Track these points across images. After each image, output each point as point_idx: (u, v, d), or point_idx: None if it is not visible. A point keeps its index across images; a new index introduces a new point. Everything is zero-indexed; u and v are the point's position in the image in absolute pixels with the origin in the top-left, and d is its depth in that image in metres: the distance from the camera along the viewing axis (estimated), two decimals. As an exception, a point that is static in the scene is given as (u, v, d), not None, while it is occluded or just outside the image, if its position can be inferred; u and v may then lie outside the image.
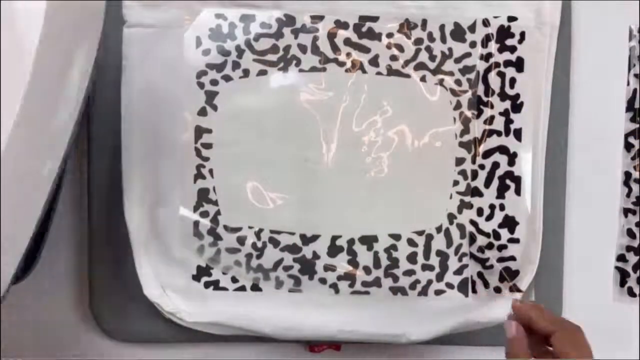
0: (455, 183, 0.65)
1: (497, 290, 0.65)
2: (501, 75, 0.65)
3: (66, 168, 0.62)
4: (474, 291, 0.66)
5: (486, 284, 0.66)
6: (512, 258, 0.65)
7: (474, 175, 0.65)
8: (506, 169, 0.65)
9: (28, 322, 0.68)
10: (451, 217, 0.66)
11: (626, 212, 0.69)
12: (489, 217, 0.65)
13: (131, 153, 0.64)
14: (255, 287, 0.65)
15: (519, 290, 0.65)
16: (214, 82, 0.64)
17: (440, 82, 0.65)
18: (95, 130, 0.65)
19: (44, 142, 0.49)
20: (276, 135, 0.65)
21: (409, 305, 0.66)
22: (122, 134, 0.64)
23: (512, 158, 0.65)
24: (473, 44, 0.65)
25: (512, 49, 0.65)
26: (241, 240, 0.65)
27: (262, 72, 0.64)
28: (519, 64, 0.65)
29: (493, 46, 0.65)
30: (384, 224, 0.66)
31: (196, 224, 0.65)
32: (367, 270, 0.66)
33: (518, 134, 0.65)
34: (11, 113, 0.50)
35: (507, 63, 0.65)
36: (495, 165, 0.65)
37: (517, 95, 0.65)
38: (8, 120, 0.47)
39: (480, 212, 0.65)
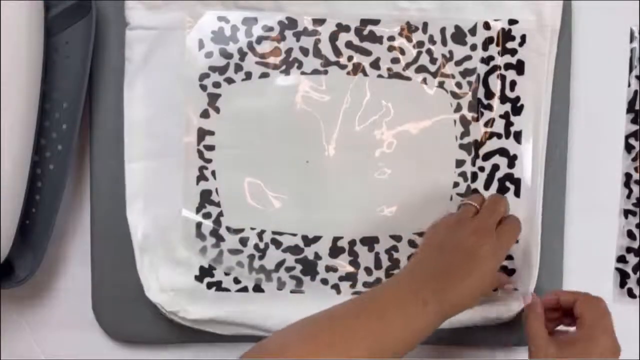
0: (455, 185, 0.66)
1: (494, 288, 0.66)
2: (502, 78, 0.65)
3: (68, 169, 0.63)
4: (474, 292, 0.66)
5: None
6: (510, 257, 0.65)
7: (474, 177, 0.66)
8: (506, 171, 0.65)
9: (29, 322, 0.69)
10: (452, 219, 0.66)
11: (626, 213, 0.69)
12: (490, 219, 0.66)
13: (133, 155, 0.64)
14: (258, 288, 0.66)
15: (515, 289, 0.65)
16: (217, 85, 0.65)
17: (441, 85, 0.65)
18: (98, 132, 0.65)
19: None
20: (278, 137, 0.65)
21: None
22: (124, 135, 0.64)
23: (512, 160, 0.65)
24: (474, 47, 0.65)
25: (513, 52, 0.65)
26: (243, 242, 0.65)
27: (264, 75, 0.65)
28: (519, 67, 0.65)
29: (494, 49, 0.65)
30: (385, 225, 0.66)
31: (199, 225, 0.65)
32: (368, 271, 0.66)
33: (518, 137, 0.65)
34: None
35: (508, 66, 0.65)
36: (495, 167, 0.65)
37: (518, 98, 0.65)
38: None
39: (480, 213, 0.66)
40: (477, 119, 0.65)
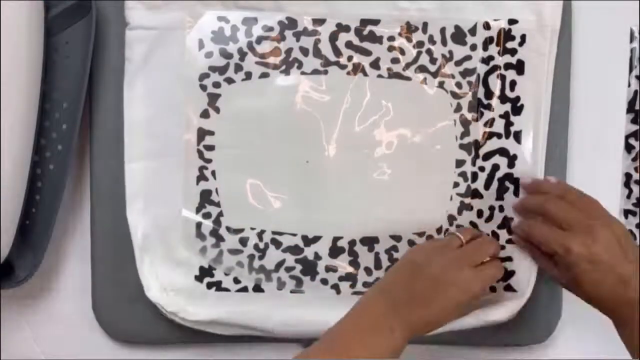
0: (456, 185, 0.66)
1: (492, 289, 0.66)
2: (502, 78, 0.65)
3: (68, 169, 0.63)
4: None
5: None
6: (509, 258, 0.65)
7: (474, 177, 0.66)
8: (506, 171, 0.65)
9: (29, 322, 0.69)
10: (451, 219, 0.66)
11: (626, 213, 0.69)
12: (489, 219, 0.66)
13: (133, 155, 0.64)
14: (258, 288, 0.66)
15: (513, 290, 0.65)
16: (217, 85, 0.65)
17: (441, 85, 0.65)
18: (98, 132, 0.65)
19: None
20: (278, 137, 0.65)
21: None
22: (124, 135, 0.64)
23: (511, 160, 0.65)
24: (474, 47, 0.65)
25: (513, 52, 0.65)
26: (243, 242, 0.66)
27: (264, 75, 0.65)
28: (519, 67, 0.65)
29: (494, 49, 0.65)
30: (385, 225, 0.66)
31: (199, 225, 0.65)
32: (368, 271, 0.66)
33: (518, 137, 0.65)
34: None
35: (508, 66, 0.65)
36: (495, 167, 0.65)
37: (518, 98, 0.65)
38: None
39: (480, 213, 0.66)
40: (477, 119, 0.65)
